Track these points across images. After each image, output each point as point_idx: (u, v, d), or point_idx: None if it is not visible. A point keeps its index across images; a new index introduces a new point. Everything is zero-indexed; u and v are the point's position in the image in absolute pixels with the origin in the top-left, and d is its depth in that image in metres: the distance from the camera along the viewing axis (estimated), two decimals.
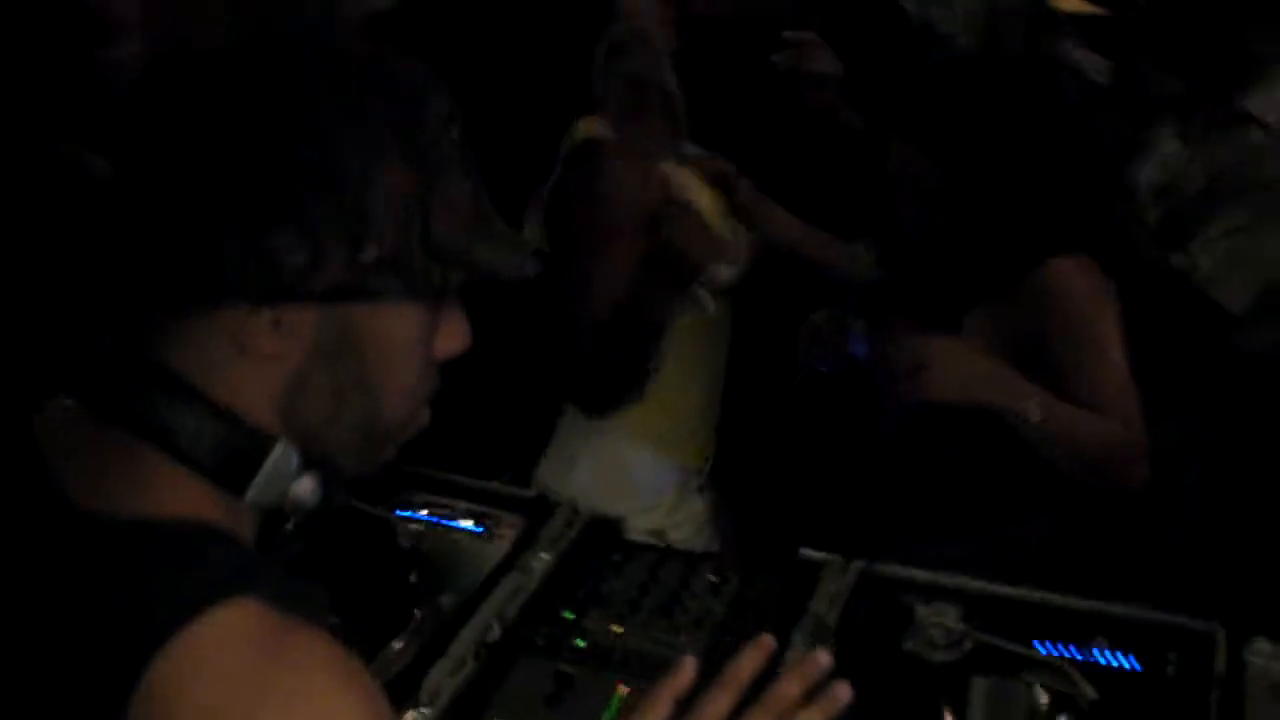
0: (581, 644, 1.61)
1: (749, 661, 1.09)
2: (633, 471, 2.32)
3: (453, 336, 0.98)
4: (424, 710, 1.47)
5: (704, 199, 2.29)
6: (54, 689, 0.84)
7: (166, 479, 0.90)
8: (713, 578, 1.72)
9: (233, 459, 0.90)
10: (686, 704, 1.07)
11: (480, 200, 0.95)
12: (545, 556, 1.73)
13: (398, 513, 1.84)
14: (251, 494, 0.91)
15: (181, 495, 0.90)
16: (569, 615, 1.66)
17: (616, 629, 1.63)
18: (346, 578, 1.55)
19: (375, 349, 0.92)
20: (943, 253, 1.92)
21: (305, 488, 0.93)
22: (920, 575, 1.73)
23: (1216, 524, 2.06)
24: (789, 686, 1.06)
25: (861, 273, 2.31)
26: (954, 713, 1.52)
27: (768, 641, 1.10)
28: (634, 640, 1.61)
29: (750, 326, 2.41)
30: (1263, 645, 1.58)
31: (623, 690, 1.53)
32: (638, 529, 2.01)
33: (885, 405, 2.10)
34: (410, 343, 0.94)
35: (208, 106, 0.88)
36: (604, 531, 1.83)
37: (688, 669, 1.09)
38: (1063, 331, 1.88)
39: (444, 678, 1.51)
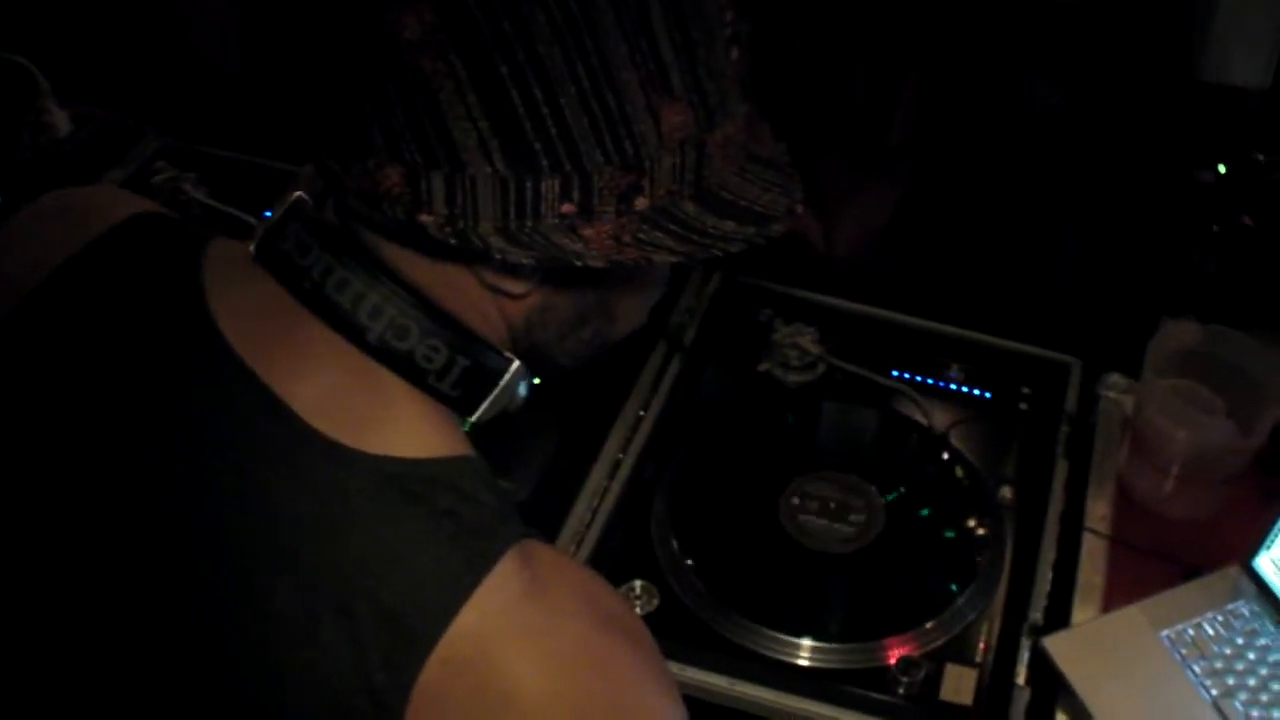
0: None
1: None
2: None
3: None
4: None
5: None
6: (319, 674, 0.69)
7: (403, 404, 0.75)
8: None
9: (471, 384, 0.76)
10: None
11: (753, 124, 0.78)
12: None
13: None
14: (478, 415, 0.78)
15: (424, 425, 0.76)
16: None
17: None
18: None
19: (624, 287, 0.81)
20: None
21: (521, 394, 0.80)
22: (780, 289, 1.67)
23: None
24: None
25: None
26: (803, 434, 1.49)
27: None
28: None
29: None
30: (1116, 380, 1.57)
31: None
32: None
33: None
34: (659, 277, 0.84)
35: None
36: None
37: None
38: None
39: None
